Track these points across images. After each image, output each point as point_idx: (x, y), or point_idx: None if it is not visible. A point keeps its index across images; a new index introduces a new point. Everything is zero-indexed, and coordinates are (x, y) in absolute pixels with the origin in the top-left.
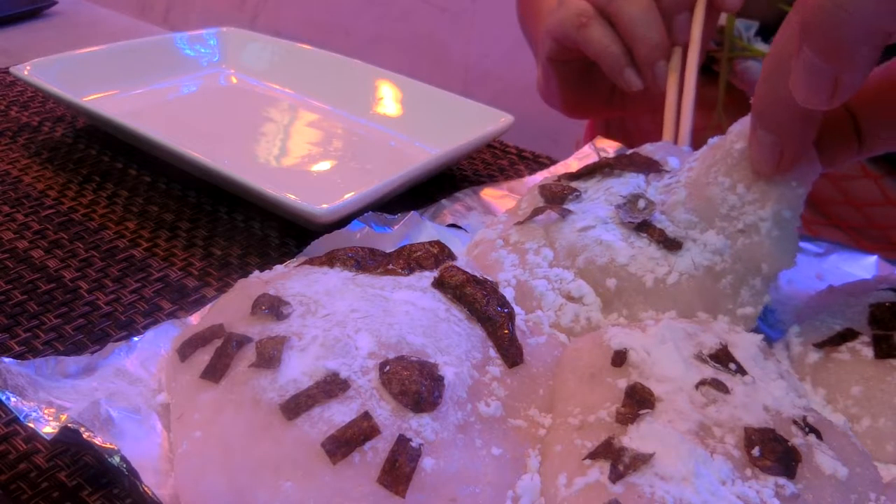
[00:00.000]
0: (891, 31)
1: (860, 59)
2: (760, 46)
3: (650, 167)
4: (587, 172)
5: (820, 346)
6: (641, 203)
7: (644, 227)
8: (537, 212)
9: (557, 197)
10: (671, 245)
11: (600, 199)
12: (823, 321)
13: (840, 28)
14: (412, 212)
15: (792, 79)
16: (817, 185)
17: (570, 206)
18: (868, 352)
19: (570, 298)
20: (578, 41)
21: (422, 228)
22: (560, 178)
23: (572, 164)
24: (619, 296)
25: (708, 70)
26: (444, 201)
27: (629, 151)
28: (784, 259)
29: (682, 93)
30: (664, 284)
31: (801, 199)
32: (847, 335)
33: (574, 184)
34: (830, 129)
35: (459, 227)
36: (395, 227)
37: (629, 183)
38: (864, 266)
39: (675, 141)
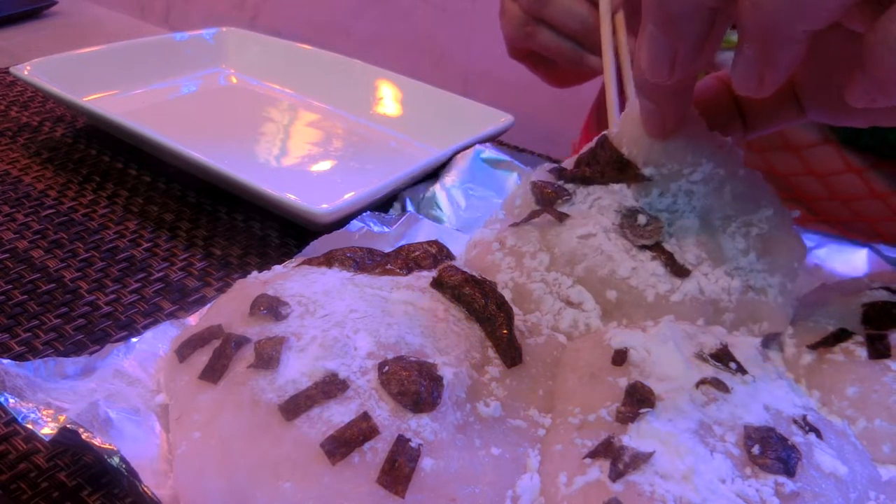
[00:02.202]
0: (713, 7)
1: (690, 31)
2: (736, 38)
3: (625, 171)
4: (570, 178)
5: (814, 347)
6: (642, 219)
7: (653, 248)
8: (533, 215)
9: (548, 198)
10: (680, 271)
11: (591, 208)
12: (817, 321)
13: (670, 4)
14: (410, 211)
15: (640, 52)
16: (803, 182)
17: (563, 209)
18: (862, 352)
19: (569, 303)
20: (533, 48)
21: (420, 227)
22: (550, 171)
23: None
24: (619, 307)
25: None
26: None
27: (596, 140)
28: (782, 323)
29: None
30: (666, 301)
31: (798, 275)
32: (841, 335)
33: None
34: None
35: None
36: (394, 226)
37: (615, 191)
38: (855, 259)
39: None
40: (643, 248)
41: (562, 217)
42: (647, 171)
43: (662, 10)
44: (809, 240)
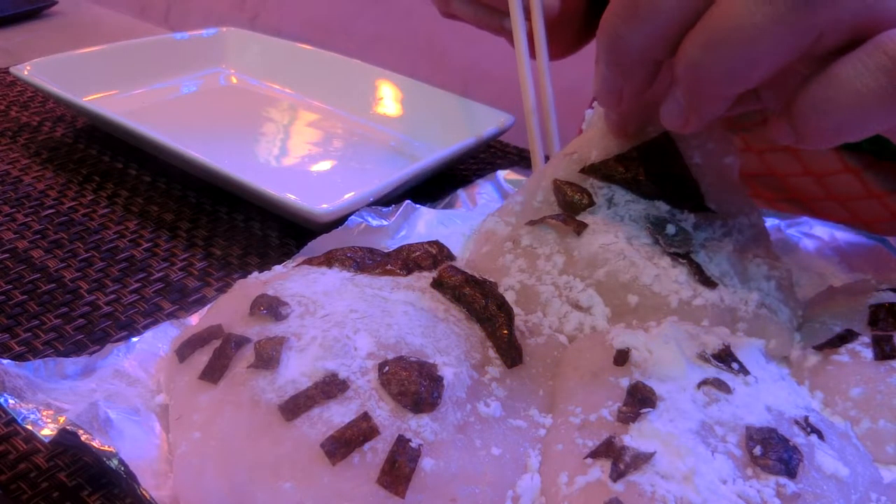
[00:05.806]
0: (659, 59)
1: (636, 76)
2: None
3: (693, 199)
4: (621, 180)
5: (819, 348)
6: (671, 229)
7: (683, 257)
8: (553, 218)
9: (569, 205)
10: (707, 282)
11: (622, 215)
12: (823, 323)
13: (620, 52)
14: (406, 201)
15: (594, 81)
16: (801, 183)
17: (585, 217)
18: (868, 353)
19: (577, 307)
20: (452, 15)
21: (418, 216)
22: (583, 170)
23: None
24: (635, 311)
25: None
26: (460, 191)
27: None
28: (786, 348)
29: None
30: (689, 306)
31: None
32: (846, 337)
33: (591, 184)
34: None
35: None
36: (392, 218)
37: (649, 203)
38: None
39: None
40: (675, 255)
41: (580, 228)
42: (711, 206)
43: (612, 57)
44: (824, 230)
